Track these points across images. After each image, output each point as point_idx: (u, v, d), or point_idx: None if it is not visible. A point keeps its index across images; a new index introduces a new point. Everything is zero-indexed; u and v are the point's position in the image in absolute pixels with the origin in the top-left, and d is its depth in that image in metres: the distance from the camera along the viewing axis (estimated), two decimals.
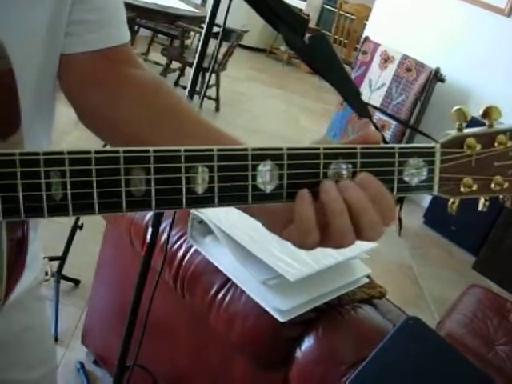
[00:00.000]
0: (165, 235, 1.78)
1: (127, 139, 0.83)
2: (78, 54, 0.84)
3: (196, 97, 1.75)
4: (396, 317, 1.61)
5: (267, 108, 7.00)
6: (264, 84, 8.03)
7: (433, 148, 0.63)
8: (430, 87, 5.11)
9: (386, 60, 5.32)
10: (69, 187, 0.55)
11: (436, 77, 5.07)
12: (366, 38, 5.60)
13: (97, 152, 0.55)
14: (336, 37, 8.93)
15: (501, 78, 4.84)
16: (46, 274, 2.66)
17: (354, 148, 0.61)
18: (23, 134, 0.65)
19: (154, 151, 0.56)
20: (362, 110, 0.71)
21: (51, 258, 2.74)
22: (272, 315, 1.50)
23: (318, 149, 0.60)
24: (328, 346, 1.51)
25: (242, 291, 1.59)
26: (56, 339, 2.53)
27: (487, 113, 0.64)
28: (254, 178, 0.59)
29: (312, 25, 9.43)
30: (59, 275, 2.79)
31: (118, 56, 0.87)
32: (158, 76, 0.90)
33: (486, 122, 0.64)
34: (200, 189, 0.58)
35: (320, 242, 0.64)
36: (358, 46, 6.77)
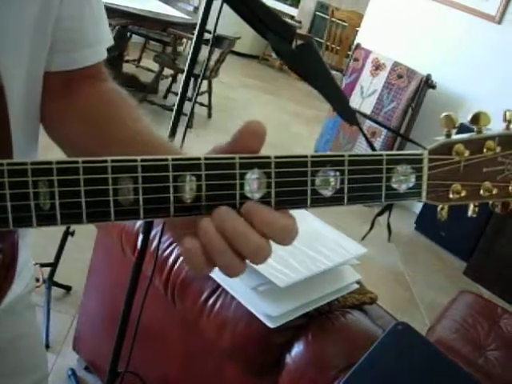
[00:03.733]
0: (155, 242, 1.78)
1: (73, 150, 0.85)
2: (47, 73, 0.84)
3: (188, 103, 1.76)
4: (386, 322, 1.62)
5: (259, 114, 7.00)
6: (256, 90, 8.04)
7: (421, 155, 0.62)
8: (421, 94, 5.14)
9: (378, 67, 5.34)
10: (57, 197, 0.55)
11: (427, 83, 5.10)
12: (358, 45, 5.62)
13: (84, 162, 0.55)
14: (328, 44, 8.95)
15: (492, 83, 4.87)
16: (38, 280, 2.65)
17: (342, 156, 0.60)
18: (14, 154, 0.65)
19: (142, 160, 0.56)
20: (351, 117, 0.71)
21: (43, 265, 2.74)
22: (262, 321, 1.51)
23: (306, 156, 0.60)
24: (318, 351, 1.52)
25: (232, 297, 1.60)
26: (47, 346, 2.52)
27: (476, 118, 0.63)
28: (241, 186, 0.59)
29: (304, 31, 9.45)
30: (50, 282, 2.78)
31: (86, 74, 0.88)
32: (114, 88, 0.90)
33: (475, 127, 0.64)
34: (188, 198, 0.58)
35: (211, 269, 0.61)
36: (349, 52, 6.79)
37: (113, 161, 0.56)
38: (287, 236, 0.59)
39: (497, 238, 4.32)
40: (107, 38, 0.92)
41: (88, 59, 0.87)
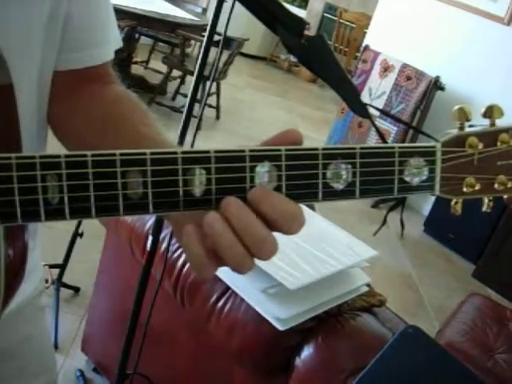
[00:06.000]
0: (165, 244, 1.78)
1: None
2: (56, 73, 0.84)
3: (197, 105, 1.76)
4: (395, 325, 1.61)
5: (267, 116, 7.01)
6: (264, 92, 8.04)
7: (433, 147, 0.62)
8: (429, 95, 5.12)
9: (386, 69, 5.33)
10: (65, 190, 0.55)
11: (436, 85, 5.09)
12: (366, 47, 5.61)
13: (93, 155, 0.55)
14: (336, 45, 8.94)
15: (501, 86, 4.85)
16: (46, 281, 2.66)
17: (354, 148, 0.60)
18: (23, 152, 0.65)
19: (151, 153, 0.56)
20: (362, 110, 0.71)
21: (51, 266, 2.75)
22: (271, 324, 1.50)
23: (317, 149, 0.59)
24: (327, 354, 1.51)
25: (242, 300, 1.59)
26: (56, 347, 2.53)
27: (489, 111, 0.62)
28: (252, 179, 0.58)
29: (312, 33, 9.43)
30: (59, 283, 2.79)
31: (93, 75, 0.88)
32: (123, 90, 0.89)
33: (488, 120, 0.63)
34: (197, 191, 0.57)
35: (217, 268, 0.60)
36: (358, 54, 6.78)
37: (121, 154, 0.56)
38: (296, 222, 0.58)
39: (506, 240, 4.30)
40: (115, 40, 0.92)
41: (94, 59, 0.87)
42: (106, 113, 0.84)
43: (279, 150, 0.58)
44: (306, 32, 0.71)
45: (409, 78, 5.18)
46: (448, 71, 5.13)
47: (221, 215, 0.57)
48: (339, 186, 0.60)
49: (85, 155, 0.55)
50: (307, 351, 1.51)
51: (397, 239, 4.74)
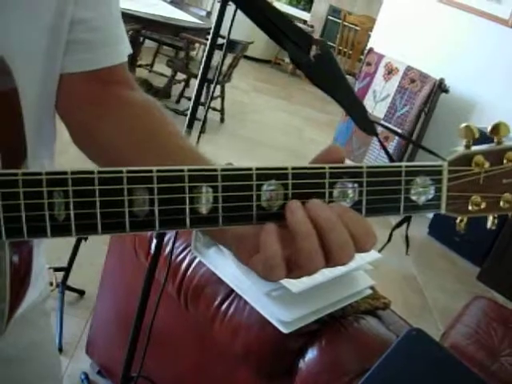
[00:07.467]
0: (169, 247, 1.79)
1: (109, 160, 0.83)
2: (71, 74, 0.84)
3: (201, 108, 1.76)
4: (400, 328, 1.61)
5: (272, 119, 7.01)
6: (269, 95, 8.04)
7: (440, 166, 0.62)
8: (434, 98, 5.12)
9: (390, 71, 5.33)
10: (72, 207, 0.55)
11: (440, 88, 5.08)
12: (370, 50, 5.61)
13: (100, 172, 0.55)
14: (340, 48, 8.94)
15: (505, 88, 4.84)
16: (51, 284, 2.66)
17: (361, 167, 0.60)
18: (28, 159, 0.65)
19: (158, 171, 0.56)
20: (368, 127, 0.71)
21: (56, 269, 2.75)
22: (275, 326, 1.51)
23: (324, 168, 0.59)
24: (331, 357, 1.51)
25: (246, 302, 1.60)
26: (60, 350, 2.53)
27: (495, 129, 0.62)
28: (258, 197, 0.58)
29: (316, 36, 9.45)
30: (64, 286, 2.79)
31: (111, 76, 0.87)
32: (150, 98, 0.88)
33: (495, 138, 0.63)
34: (204, 209, 0.57)
35: (286, 274, 0.60)
36: (362, 57, 6.78)
37: (128, 171, 0.56)
38: (372, 239, 0.60)
39: (511, 243, 4.29)
40: (126, 44, 0.92)
41: (109, 58, 0.86)
42: (139, 122, 0.83)
43: (286, 169, 0.59)
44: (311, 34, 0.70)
45: (413, 81, 5.18)
46: (452, 74, 5.12)
47: (307, 211, 0.58)
48: (346, 204, 0.61)
49: (91, 172, 0.55)
50: (311, 354, 1.51)
51: (401, 242, 4.71)
